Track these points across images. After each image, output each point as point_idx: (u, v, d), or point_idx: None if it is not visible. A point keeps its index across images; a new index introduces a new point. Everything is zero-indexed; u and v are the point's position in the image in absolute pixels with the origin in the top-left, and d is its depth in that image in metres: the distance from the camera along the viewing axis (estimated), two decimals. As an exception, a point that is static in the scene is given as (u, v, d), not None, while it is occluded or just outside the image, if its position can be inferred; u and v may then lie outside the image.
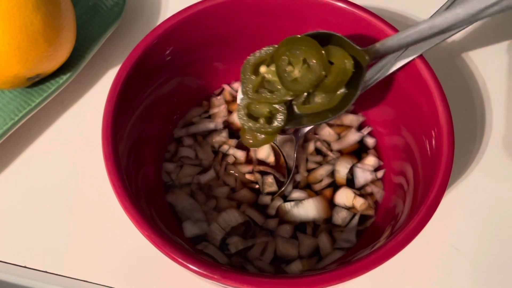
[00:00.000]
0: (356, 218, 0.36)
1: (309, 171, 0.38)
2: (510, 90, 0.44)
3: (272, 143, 0.39)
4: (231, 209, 0.36)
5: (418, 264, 0.37)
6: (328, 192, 0.38)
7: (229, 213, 0.35)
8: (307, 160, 0.39)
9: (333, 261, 0.34)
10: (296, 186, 0.38)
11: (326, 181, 0.38)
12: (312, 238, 0.36)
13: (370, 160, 0.39)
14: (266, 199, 0.37)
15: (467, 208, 0.39)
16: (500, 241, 0.38)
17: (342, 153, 0.39)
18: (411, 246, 0.27)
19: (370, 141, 0.39)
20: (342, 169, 0.38)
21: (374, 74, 0.35)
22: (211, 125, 0.40)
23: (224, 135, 0.40)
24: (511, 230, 0.38)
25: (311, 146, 0.39)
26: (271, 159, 0.39)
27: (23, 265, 0.36)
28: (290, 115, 0.30)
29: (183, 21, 0.35)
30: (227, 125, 0.41)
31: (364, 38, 0.37)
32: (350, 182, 0.38)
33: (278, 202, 0.37)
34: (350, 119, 0.40)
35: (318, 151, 0.39)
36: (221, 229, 0.35)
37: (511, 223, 0.38)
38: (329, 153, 0.39)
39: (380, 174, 0.38)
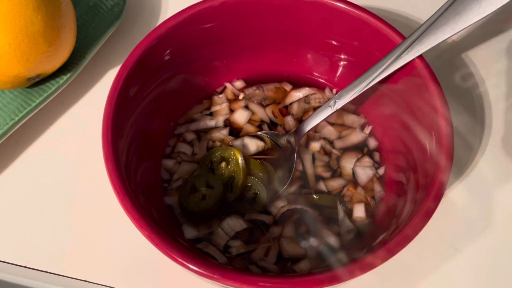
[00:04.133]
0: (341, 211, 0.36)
1: (323, 178, 0.39)
2: (510, 90, 0.44)
3: (273, 143, 0.39)
4: (235, 214, 0.36)
5: (418, 263, 0.37)
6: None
7: (233, 219, 0.36)
8: (313, 159, 0.39)
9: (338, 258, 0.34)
10: (306, 184, 0.38)
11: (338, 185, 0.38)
12: (319, 239, 0.35)
13: (368, 159, 0.39)
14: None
15: (466, 208, 0.39)
16: (499, 241, 0.38)
17: (344, 150, 0.40)
18: (410, 246, 0.28)
19: (372, 143, 0.40)
20: (348, 165, 0.38)
21: (374, 74, 0.35)
22: (211, 123, 0.40)
23: (224, 132, 0.40)
24: (510, 230, 0.38)
25: (316, 145, 0.39)
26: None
27: (24, 265, 0.37)
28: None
29: (183, 21, 0.35)
30: (229, 123, 0.41)
31: (364, 39, 0.37)
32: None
33: (279, 202, 0.37)
34: (352, 119, 0.40)
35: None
36: (225, 234, 0.35)
37: (510, 223, 0.38)
38: (333, 150, 0.39)
39: (381, 171, 0.38)
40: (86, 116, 0.43)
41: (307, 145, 0.40)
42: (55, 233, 0.38)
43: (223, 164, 0.37)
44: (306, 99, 0.41)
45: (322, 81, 0.42)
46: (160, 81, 0.37)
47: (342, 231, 0.36)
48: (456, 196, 0.39)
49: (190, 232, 0.35)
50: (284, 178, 0.38)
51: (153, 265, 0.36)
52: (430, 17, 0.33)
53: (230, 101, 0.42)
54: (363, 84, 0.35)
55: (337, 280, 0.26)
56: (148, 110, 0.37)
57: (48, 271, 0.36)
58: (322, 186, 0.38)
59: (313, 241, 0.35)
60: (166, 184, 0.38)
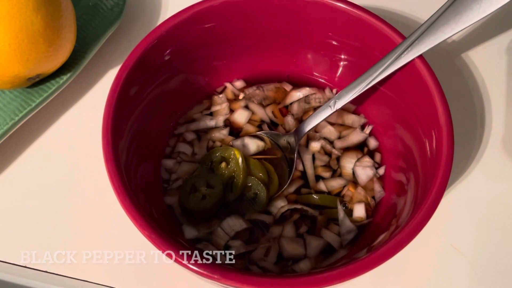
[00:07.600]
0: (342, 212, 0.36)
1: (323, 178, 0.38)
2: (510, 90, 0.44)
3: (273, 143, 0.39)
4: (236, 214, 0.36)
5: (418, 263, 0.37)
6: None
7: (233, 219, 0.35)
8: (313, 159, 0.39)
9: (338, 258, 0.34)
10: (306, 184, 0.38)
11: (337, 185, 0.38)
12: (319, 239, 0.36)
13: (368, 159, 0.39)
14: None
15: (466, 208, 0.39)
16: (499, 240, 0.38)
17: (344, 150, 0.40)
18: (410, 245, 0.28)
19: (373, 143, 0.40)
20: (348, 165, 0.38)
21: (374, 74, 0.35)
22: (211, 123, 0.40)
23: (224, 132, 0.40)
24: (510, 230, 0.38)
25: (316, 145, 0.39)
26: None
27: (24, 265, 0.37)
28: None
29: (184, 21, 0.35)
30: (229, 123, 0.41)
31: (364, 39, 0.37)
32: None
33: (279, 202, 0.37)
34: (352, 119, 0.40)
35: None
36: (225, 234, 0.35)
37: (510, 223, 0.38)
38: (333, 150, 0.39)
39: (381, 171, 0.38)
40: (86, 116, 0.43)
41: (307, 145, 0.39)
42: (55, 233, 0.38)
43: (223, 164, 0.37)
44: (306, 99, 0.41)
45: (322, 81, 0.42)
46: (160, 81, 0.37)
47: (342, 231, 0.36)
48: (456, 196, 0.39)
49: (190, 232, 0.35)
50: (284, 178, 0.38)
51: (152, 265, 0.36)
52: (430, 17, 0.33)
53: (230, 101, 0.42)
54: (363, 84, 0.35)
55: (337, 280, 0.26)
56: (148, 110, 0.37)
57: (48, 271, 0.36)
58: (322, 186, 0.38)
59: (313, 241, 0.35)
60: (166, 184, 0.38)
